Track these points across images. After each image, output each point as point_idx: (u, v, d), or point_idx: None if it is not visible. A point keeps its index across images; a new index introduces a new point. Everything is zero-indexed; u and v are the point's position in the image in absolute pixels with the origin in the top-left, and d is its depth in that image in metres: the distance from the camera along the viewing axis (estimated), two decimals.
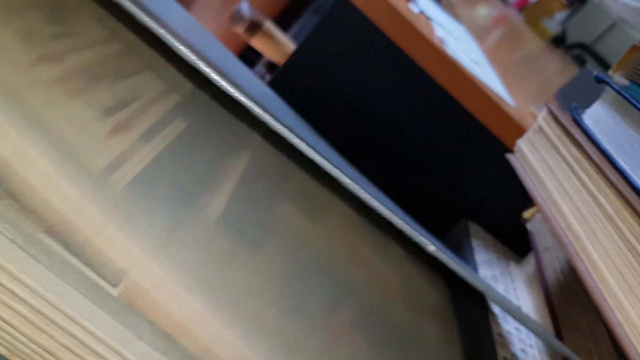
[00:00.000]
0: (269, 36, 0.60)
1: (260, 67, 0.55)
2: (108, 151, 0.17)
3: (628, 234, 0.30)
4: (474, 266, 0.49)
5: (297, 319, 0.18)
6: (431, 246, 0.20)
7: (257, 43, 0.60)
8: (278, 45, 0.60)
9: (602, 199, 0.32)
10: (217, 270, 0.17)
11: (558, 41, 1.14)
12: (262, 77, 0.55)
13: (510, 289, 0.49)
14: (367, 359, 0.20)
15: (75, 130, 0.16)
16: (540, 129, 0.37)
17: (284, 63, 0.51)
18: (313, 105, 0.51)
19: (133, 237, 0.16)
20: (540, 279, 0.44)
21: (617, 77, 0.42)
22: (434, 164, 0.54)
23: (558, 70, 1.08)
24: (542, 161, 0.37)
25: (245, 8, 0.58)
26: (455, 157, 0.53)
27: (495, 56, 0.89)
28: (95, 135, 0.17)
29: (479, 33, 1.00)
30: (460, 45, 0.53)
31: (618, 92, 0.35)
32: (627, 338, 0.28)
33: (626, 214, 0.30)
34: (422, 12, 0.52)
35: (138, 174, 0.17)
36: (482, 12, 1.08)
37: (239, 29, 0.58)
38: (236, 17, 0.58)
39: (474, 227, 0.53)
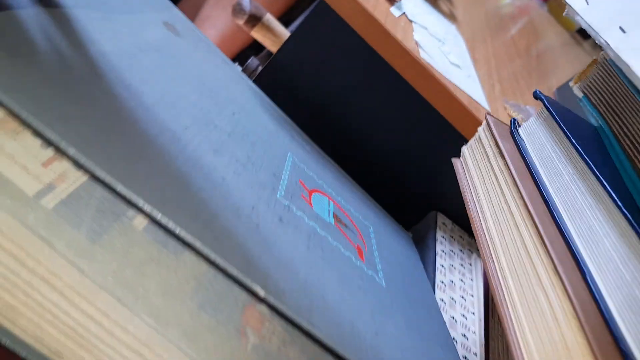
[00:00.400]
0: (268, 28, 0.64)
1: (253, 60, 0.60)
2: (44, 176, 0.21)
3: (529, 244, 0.33)
4: (433, 257, 0.53)
5: (207, 313, 0.22)
6: (262, 291, 0.22)
7: (256, 34, 0.64)
8: (276, 36, 0.64)
9: (514, 208, 0.35)
10: (136, 272, 0.21)
11: (585, 32, 1.12)
12: (254, 70, 0.59)
13: (467, 279, 0.53)
14: (283, 343, 0.23)
15: (12, 162, 0.20)
16: (479, 138, 0.40)
17: (269, 61, 0.55)
18: (294, 101, 0.55)
19: (58, 247, 0.20)
20: (484, 275, 0.47)
21: (576, 90, 0.44)
22: (408, 158, 0.57)
23: (581, 62, 1.07)
24: (477, 168, 0.40)
25: (246, 1, 0.62)
26: (428, 153, 0.56)
27: (515, 47, 0.90)
28: (34, 163, 0.21)
29: (501, 23, 1.00)
30: (442, 47, 0.56)
31: (548, 109, 0.37)
32: (515, 339, 0.31)
33: (529, 224, 0.34)
34: (404, 14, 0.54)
35: (71, 194, 0.21)
36: (507, 0, 1.07)
37: (240, 21, 0.63)
38: (237, 9, 0.62)
39: (442, 219, 0.57)
